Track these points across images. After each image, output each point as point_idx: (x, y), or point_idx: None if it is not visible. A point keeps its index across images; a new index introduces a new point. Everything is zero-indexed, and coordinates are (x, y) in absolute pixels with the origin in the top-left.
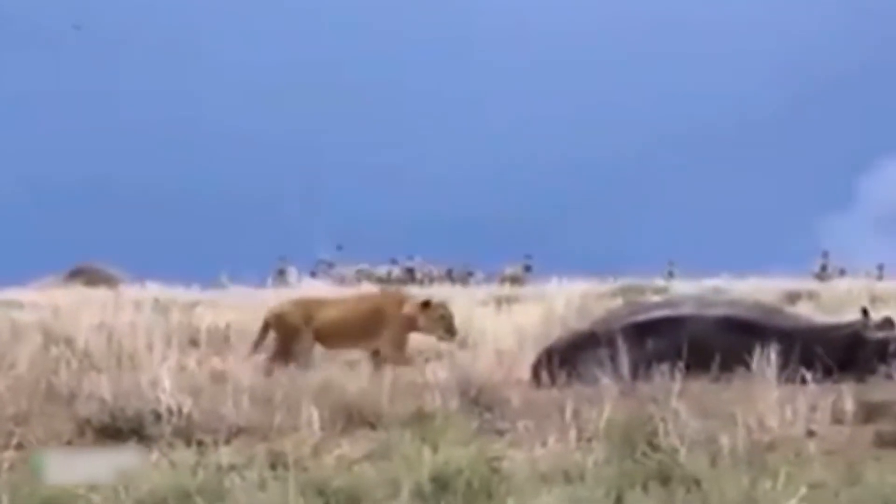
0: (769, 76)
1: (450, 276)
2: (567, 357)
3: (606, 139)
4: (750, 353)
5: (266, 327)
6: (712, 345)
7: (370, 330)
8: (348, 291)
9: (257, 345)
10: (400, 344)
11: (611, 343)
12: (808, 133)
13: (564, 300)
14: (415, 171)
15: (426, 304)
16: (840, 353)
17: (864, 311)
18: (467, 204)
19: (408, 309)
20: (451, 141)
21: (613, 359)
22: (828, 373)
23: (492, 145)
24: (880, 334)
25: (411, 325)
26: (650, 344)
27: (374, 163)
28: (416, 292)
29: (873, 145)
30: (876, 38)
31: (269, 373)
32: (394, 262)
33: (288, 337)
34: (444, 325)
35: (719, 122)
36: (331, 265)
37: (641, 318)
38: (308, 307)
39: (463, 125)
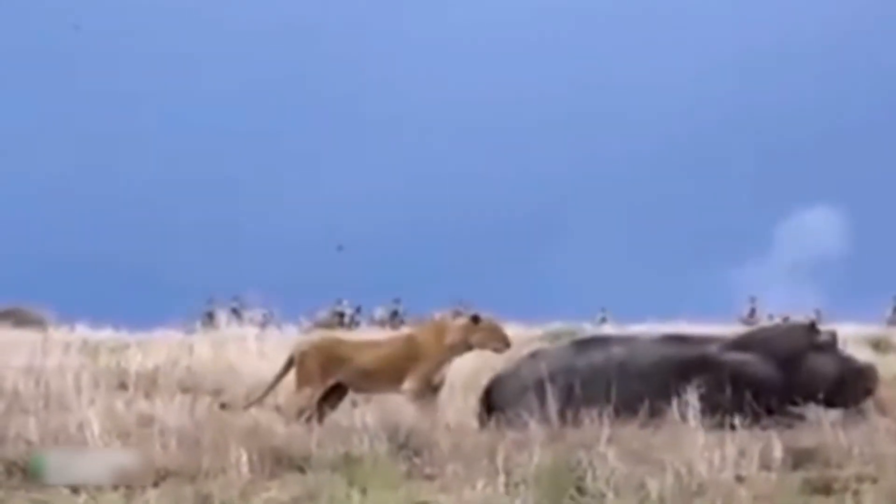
0: (683, 126)
1: (376, 319)
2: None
3: (532, 183)
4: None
5: (289, 365)
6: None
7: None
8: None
9: (275, 383)
10: (430, 376)
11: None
12: (726, 181)
13: None
14: (341, 214)
15: (476, 319)
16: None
17: (812, 325)
18: (398, 247)
19: (451, 336)
20: (370, 186)
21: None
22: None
23: (414, 187)
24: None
25: (454, 351)
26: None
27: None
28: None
29: (790, 192)
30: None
31: (312, 419)
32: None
33: (307, 378)
34: (499, 336)
35: (639, 168)
36: (238, 309)
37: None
38: (338, 348)
39: (384, 156)
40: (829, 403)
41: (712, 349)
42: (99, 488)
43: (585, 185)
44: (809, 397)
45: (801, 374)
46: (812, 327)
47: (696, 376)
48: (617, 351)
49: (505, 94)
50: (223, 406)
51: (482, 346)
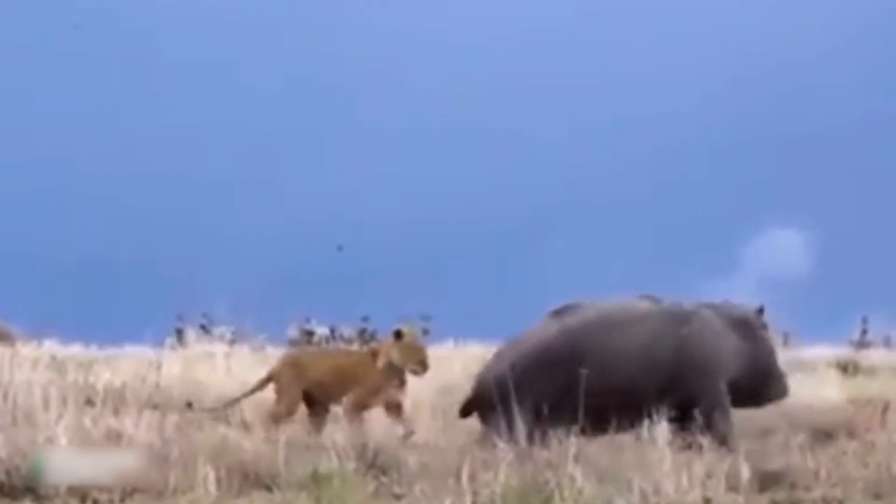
0: (656, 140)
1: (339, 336)
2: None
3: (500, 202)
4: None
5: (268, 380)
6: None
7: (350, 386)
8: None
9: (250, 393)
10: (364, 400)
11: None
12: (691, 197)
13: (460, 364)
14: (307, 226)
15: (398, 335)
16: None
17: (761, 309)
18: (362, 258)
19: (381, 359)
20: (352, 192)
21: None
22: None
23: (386, 199)
24: None
25: (388, 374)
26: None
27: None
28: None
29: (760, 211)
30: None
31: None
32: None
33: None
34: (416, 358)
35: (610, 182)
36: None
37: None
38: (303, 362)
39: (360, 171)
40: (740, 393)
41: (689, 305)
42: (66, 503)
43: (554, 200)
44: (762, 365)
45: (756, 341)
46: (761, 310)
47: (686, 326)
48: (598, 308)
49: (485, 98)
50: (189, 405)
51: (402, 364)
